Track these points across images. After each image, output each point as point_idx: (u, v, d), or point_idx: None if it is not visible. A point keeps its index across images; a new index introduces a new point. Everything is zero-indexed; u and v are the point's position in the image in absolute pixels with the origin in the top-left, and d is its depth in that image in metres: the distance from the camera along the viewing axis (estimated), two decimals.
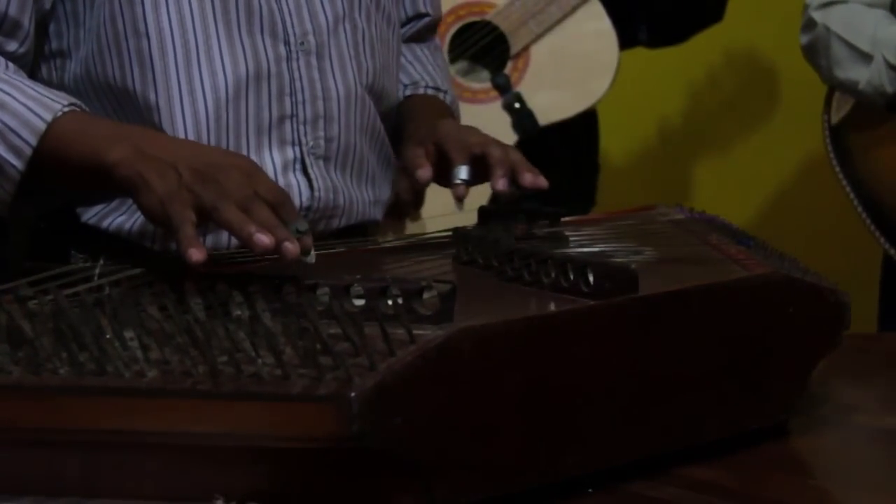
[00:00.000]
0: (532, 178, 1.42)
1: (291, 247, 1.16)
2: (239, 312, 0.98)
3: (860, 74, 2.26)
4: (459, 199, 1.42)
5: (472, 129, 1.51)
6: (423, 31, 1.75)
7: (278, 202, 1.20)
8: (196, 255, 1.14)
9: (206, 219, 1.19)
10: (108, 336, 0.95)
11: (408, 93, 1.67)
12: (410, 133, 1.55)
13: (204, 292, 1.00)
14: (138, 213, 1.39)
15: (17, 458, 0.98)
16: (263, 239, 1.15)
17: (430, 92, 1.68)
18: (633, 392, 1.02)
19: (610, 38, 2.60)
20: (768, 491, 1.03)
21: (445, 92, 1.70)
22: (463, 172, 1.43)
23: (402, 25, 1.70)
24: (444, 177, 1.46)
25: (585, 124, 2.71)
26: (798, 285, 1.11)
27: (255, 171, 1.24)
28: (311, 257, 1.20)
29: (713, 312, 1.06)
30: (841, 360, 1.17)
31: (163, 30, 1.40)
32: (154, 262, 1.29)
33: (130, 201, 1.40)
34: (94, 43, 1.41)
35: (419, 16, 1.72)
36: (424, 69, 1.70)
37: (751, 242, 1.32)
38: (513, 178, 1.42)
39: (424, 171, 1.45)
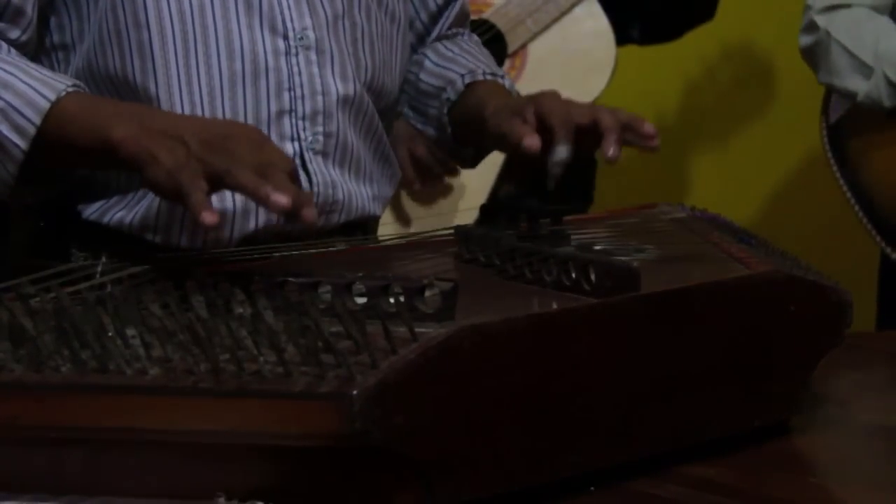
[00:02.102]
0: (651, 127, 1.38)
1: (311, 213, 1.15)
2: (241, 310, 0.98)
3: (859, 86, 2.26)
4: (553, 180, 1.36)
5: (571, 100, 1.45)
6: (458, 18, 1.72)
7: (289, 171, 1.20)
8: (209, 217, 1.13)
9: (219, 186, 1.18)
10: (110, 334, 0.95)
11: (467, 80, 1.61)
12: (497, 108, 1.48)
13: (206, 290, 1.00)
14: (138, 207, 1.40)
15: (19, 456, 0.98)
16: (281, 198, 1.14)
17: (489, 77, 1.63)
18: (634, 390, 1.02)
19: (607, 37, 2.60)
20: (770, 489, 1.04)
21: (503, 77, 1.65)
22: (563, 152, 1.37)
23: (435, 17, 1.69)
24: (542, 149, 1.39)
25: None
26: (800, 283, 1.11)
27: (265, 140, 1.24)
28: None
29: (715, 311, 1.06)
30: (841, 358, 1.17)
31: (163, 21, 1.40)
32: (156, 259, 1.29)
33: (130, 195, 1.41)
34: (95, 35, 1.41)
35: (448, 3, 1.70)
36: (476, 59, 1.66)
37: (752, 241, 1.32)
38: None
39: (533, 140, 1.36)
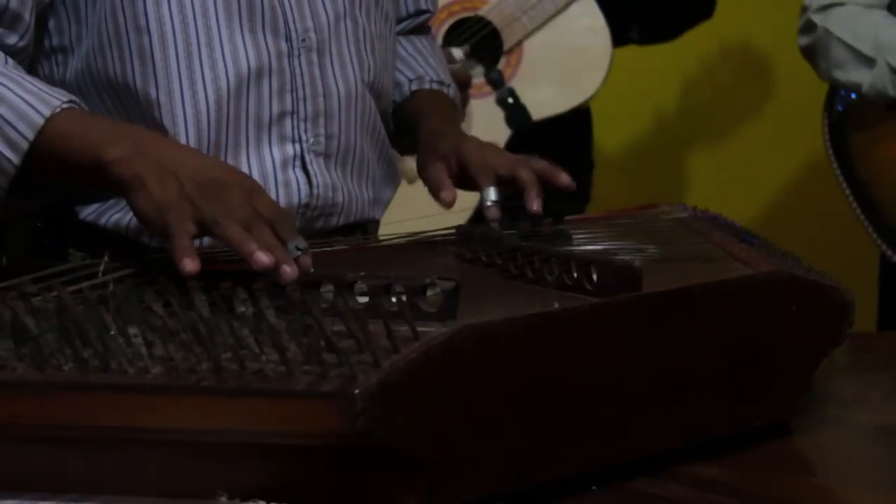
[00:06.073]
0: (567, 179, 1.46)
1: (289, 270, 1.16)
2: (243, 309, 0.98)
3: (863, 77, 2.27)
4: (494, 221, 1.43)
5: (493, 149, 1.52)
6: (421, 25, 1.76)
7: (278, 220, 1.21)
8: (190, 265, 1.14)
9: (206, 233, 1.19)
10: (112, 333, 0.95)
11: (413, 87, 1.68)
12: (428, 139, 1.55)
13: (208, 289, 1.00)
14: None
15: (21, 455, 0.98)
16: (263, 258, 1.15)
17: (434, 86, 1.69)
18: (636, 390, 1.02)
19: (603, 34, 2.61)
20: (771, 488, 1.03)
21: (449, 85, 1.71)
22: (492, 194, 1.45)
23: (401, 21, 1.70)
24: (465, 187, 1.49)
25: (579, 120, 2.72)
26: (801, 283, 1.11)
27: (257, 189, 1.24)
28: None
29: (716, 310, 1.06)
30: (842, 358, 1.17)
31: (164, 25, 1.39)
32: (158, 258, 1.29)
33: None
34: (95, 38, 1.41)
35: (419, 12, 1.72)
36: (427, 62, 1.71)
37: (754, 240, 1.32)
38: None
39: (448, 194, 1.46)
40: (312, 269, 1.19)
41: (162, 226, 1.18)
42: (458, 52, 2.50)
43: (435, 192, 1.47)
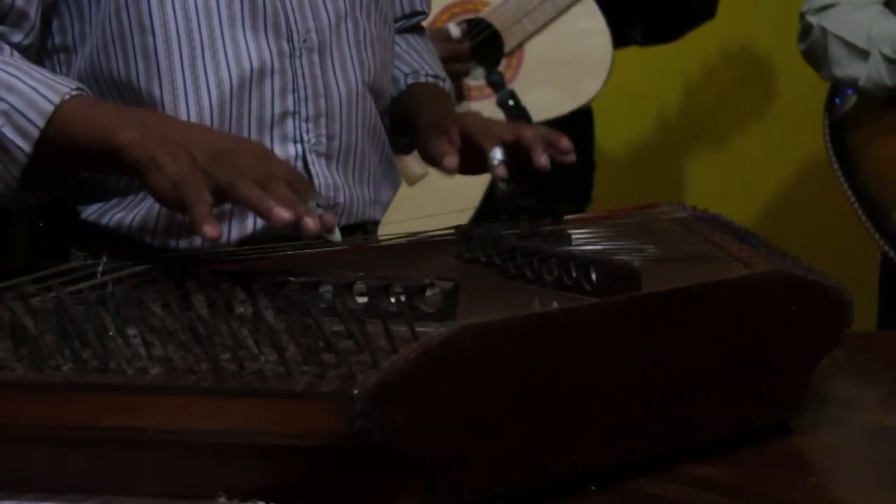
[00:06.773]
0: (568, 143, 1.46)
1: (311, 221, 1.16)
2: (242, 310, 0.97)
3: (859, 71, 2.28)
4: (502, 180, 1.44)
5: (493, 119, 1.53)
6: (416, 25, 1.77)
7: (294, 180, 1.21)
8: (211, 230, 1.14)
9: (223, 199, 1.19)
10: (111, 333, 0.95)
11: (409, 81, 1.69)
12: (428, 121, 1.55)
13: (207, 289, 1.00)
14: (138, 209, 1.40)
15: (20, 455, 0.98)
16: (283, 213, 1.15)
17: (430, 80, 1.69)
18: (635, 390, 1.02)
19: (604, 37, 2.61)
20: (770, 488, 1.03)
21: (444, 80, 1.72)
22: (499, 153, 1.45)
23: (396, 21, 1.71)
24: (470, 165, 1.48)
25: (580, 121, 2.72)
26: (801, 283, 1.11)
27: (268, 153, 1.25)
28: (336, 235, 1.19)
29: (716, 310, 1.06)
30: (842, 357, 1.17)
31: (168, 25, 1.40)
32: (157, 259, 1.29)
33: (130, 198, 1.41)
34: (98, 38, 1.41)
35: (414, 13, 1.73)
36: (421, 58, 1.72)
37: (753, 240, 1.32)
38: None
39: (452, 160, 1.45)
40: (338, 230, 1.19)
41: (179, 200, 1.18)
42: (454, 29, 2.50)
43: (438, 160, 1.47)
